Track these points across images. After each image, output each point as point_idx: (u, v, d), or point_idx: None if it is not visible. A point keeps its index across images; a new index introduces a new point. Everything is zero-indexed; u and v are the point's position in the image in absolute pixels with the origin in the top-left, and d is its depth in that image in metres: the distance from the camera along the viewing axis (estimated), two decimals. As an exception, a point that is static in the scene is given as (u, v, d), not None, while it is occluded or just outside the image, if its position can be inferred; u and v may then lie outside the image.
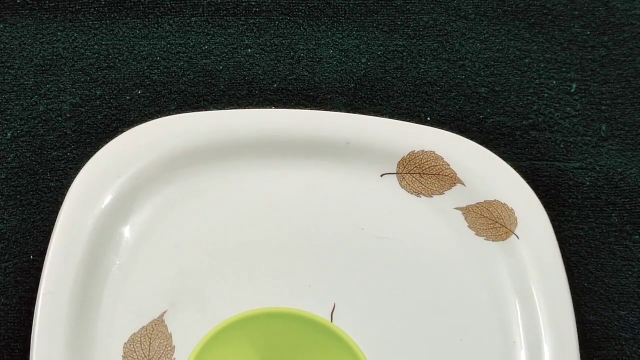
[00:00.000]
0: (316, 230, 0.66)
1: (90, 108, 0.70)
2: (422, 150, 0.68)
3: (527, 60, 0.76)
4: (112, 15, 0.73)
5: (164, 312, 0.62)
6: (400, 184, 0.68)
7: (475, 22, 0.77)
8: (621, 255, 0.67)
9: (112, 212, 0.64)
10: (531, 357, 0.63)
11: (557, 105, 0.74)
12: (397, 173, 0.68)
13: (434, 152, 0.68)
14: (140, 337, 0.61)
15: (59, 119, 0.69)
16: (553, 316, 0.63)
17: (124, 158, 0.65)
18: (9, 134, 0.68)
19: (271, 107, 0.70)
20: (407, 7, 0.75)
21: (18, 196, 0.66)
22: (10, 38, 0.72)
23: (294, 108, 0.70)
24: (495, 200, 0.67)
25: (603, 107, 0.74)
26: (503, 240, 0.66)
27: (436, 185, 0.68)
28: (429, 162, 0.68)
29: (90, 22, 0.74)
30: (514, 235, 0.66)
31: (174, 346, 0.61)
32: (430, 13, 0.75)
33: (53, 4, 0.74)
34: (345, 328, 0.61)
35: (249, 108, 0.69)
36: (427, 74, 0.73)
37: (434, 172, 0.67)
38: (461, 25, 0.74)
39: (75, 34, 0.73)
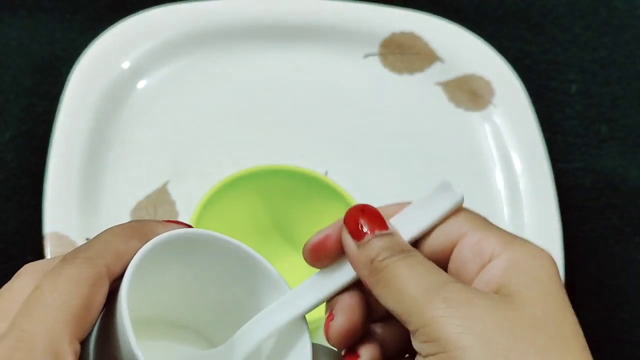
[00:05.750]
0: (306, 106, 0.71)
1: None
2: (402, 32, 0.73)
3: (527, 61, 0.76)
4: (111, 16, 0.73)
5: (167, 182, 0.66)
6: (382, 63, 0.73)
7: (475, 23, 0.77)
8: (621, 257, 0.67)
9: (113, 94, 0.68)
10: (511, 208, 0.67)
11: (557, 106, 0.74)
12: (379, 54, 0.73)
13: (413, 32, 0.73)
14: (146, 204, 0.65)
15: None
16: (531, 172, 0.68)
17: (123, 44, 0.70)
18: (7, 135, 0.68)
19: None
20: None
21: (16, 197, 0.65)
22: (8, 39, 0.72)
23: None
24: (472, 74, 0.72)
25: (603, 109, 0.74)
26: (482, 109, 0.71)
27: (417, 63, 0.73)
28: (408, 42, 0.73)
29: (89, 23, 0.73)
30: (491, 104, 0.71)
31: (178, 211, 0.65)
32: None
33: (51, 5, 0.74)
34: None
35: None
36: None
37: (414, 52, 0.73)
38: None
39: (74, 35, 0.73)
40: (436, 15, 0.74)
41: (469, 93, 0.71)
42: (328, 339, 0.38)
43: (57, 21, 0.73)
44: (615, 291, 0.66)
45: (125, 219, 0.64)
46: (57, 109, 0.66)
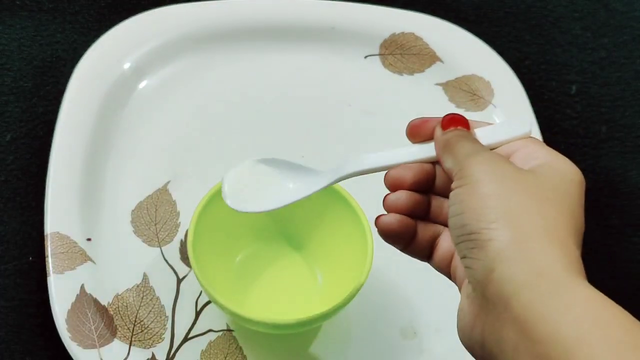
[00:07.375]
0: (307, 107, 0.71)
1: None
2: (403, 32, 0.74)
3: (527, 62, 0.76)
4: (112, 17, 0.73)
5: (168, 182, 0.66)
6: (383, 64, 0.73)
7: (475, 24, 0.77)
8: (621, 257, 0.67)
9: (114, 94, 0.68)
10: None
11: (557, 107, 0.74)
12: (380, 54, 0.73)
13: (413, 33, 0.74)
14: (147, 205, 0.65)
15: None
16: None
17: (123, 45, 0.70)
18: (8, 136, 0.68)
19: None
20: None
21: (17, 198, 0.65)
22: (9, 40, 0.72)
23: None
24: (472, 74, 0.72)
25: (603, 109, 0.74)
26: (482, 110, 0.71)
27: (417, 64, 0.73)
28: (409, 43, 0.73)
29: (90, 24, 0.74)
30: (491, 105, 0.71)
31: (179, 211, 0.65)
32: None
33: (52, 6, 0.74)
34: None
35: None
36: None
37: (414, 52, 0.73)
38: None
39: (75, 36, 0.73)
40: (436, 16, 0.75)
41: (469, 93, 0.72)
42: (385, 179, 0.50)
43: (58, 22, 0.73)
44: (615, 291, 0.66)
45: (126, 219, 0.64)
46: (58, 110, 0.66)
